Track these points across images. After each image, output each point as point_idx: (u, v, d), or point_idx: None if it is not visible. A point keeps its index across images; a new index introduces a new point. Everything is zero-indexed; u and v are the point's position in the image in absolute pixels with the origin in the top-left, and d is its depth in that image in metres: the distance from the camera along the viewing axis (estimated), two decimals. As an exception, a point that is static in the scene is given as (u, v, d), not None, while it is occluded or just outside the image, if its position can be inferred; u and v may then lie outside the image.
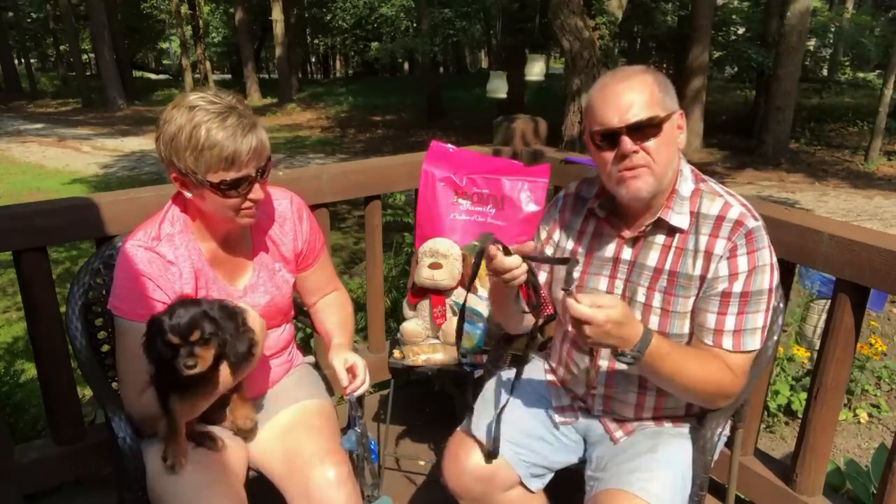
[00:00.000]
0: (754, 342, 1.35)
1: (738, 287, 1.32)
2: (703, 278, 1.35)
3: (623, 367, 1.44)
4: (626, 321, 1.21)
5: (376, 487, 1.60)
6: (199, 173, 1.29)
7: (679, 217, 1.36)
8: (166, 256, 1.39)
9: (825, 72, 18.83)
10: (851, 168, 11.65)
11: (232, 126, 1.28)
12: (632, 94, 1.29)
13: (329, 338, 1.65)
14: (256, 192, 1.35)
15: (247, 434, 1.50)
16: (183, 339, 1.22)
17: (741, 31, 16.37)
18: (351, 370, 1.53)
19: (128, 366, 1.38)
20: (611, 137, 1.30)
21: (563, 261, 1.32)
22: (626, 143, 1.28)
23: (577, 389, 1.57)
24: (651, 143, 1.29)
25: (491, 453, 1.45)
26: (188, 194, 1.36)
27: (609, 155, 1.32)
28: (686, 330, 1.40)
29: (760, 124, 12.89)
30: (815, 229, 1.63)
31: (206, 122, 1.27)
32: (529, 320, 1.60)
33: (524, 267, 1.30)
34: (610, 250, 1.45)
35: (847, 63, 21.60)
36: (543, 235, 1.59)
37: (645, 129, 1.28)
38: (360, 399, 1.61)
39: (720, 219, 1.34)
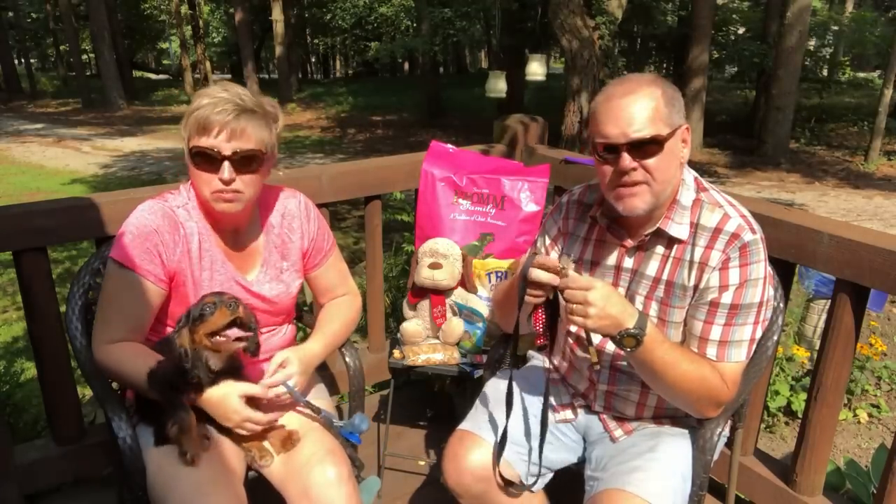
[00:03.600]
0: (739, 354, 1.35)
1: (727, 298, 1.33)
2: (695, 287, 1.36)
3: (625, 363, 1.45)
4: (619, 295, 1.26)
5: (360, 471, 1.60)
6: (188, 137, 1.36)
7: (679, 227, 1.36)
8: (179, 217, 1.44)
9: (825, 72, 18.80)
10: (851, 168, 11.65)
11: (222, 102, 1.34)
12: (636, 109, 1.27)
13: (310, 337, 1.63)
14: (226, 172, 1.36)
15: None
16: (218, 296, 1.35)
17: (741, 30, 16.37)
18: (282, 364, 1.48)
19: (105, 312, 1.42)
20: (612, 151, 1.29)
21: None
22: (626, 159, 1.28)
23: (579, 385, 1.57)
24: (651, 161, 1.28)
25: (497, 453, 1.45)
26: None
27: (609, 168, 1.32)
28: (681, 339, 1.41)
29: (760, 124, 12.90)
30: (815, 229, 1.63)
31: (208, 93, 1.35)
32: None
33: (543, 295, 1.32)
34: (613, 258, 1.46)
35: (847, 63, 21.57)
36: (548, 241, 1.59)
37: (646, 147, 1.27)
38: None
39: (717, 231, 1.34)
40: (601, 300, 1.22)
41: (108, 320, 1.42)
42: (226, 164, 1.35)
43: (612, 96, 1.30)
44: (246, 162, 1.37)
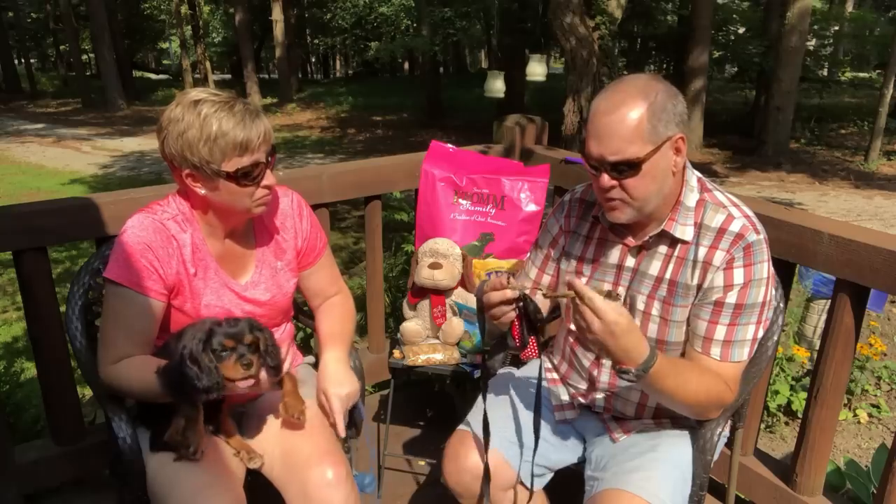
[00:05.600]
0: (742, 354, 1.35)
1: (731, 298, 1.32)
2: (699, 287, 1.35)
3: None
4: (633, 330, 1.20)
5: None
6: (213, 163, 1.31)
7: (683, 228, 1.36)
8: (170, 230, 1.41)
9: (825, 72, 18.79)
10: (851, 168, 11.65)
11: (240, 112, 1.32)
12: (617, 128, 1.25)
13: (322, 348, 1.62)
14: (269, 178, 1.39)
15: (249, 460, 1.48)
16: (238, 342, 1.30)
17: (741, 30, 16.37)
18: (329, 401, 1.51)
19: (109, 333, 1.40)
20: (594, 167, 1.32)
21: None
22: (604, 179, 1.30)
23: (579, 385, 1.57)
24: (628, 181, 1.29)
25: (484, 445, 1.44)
26: (201, 191, 1.37)
27: (595, 179, 1.34)
28: (683, 338, 1.40)
29: (760, 124, 12.91)
30: (815, 229, 1.63)
31: (213, 112, 1.30)
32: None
33: (510, 311, 1.31)
34: (614, 257, 1.46)
35: (847, 63, 21.56)
36: (550, 238, 1.59)
37: (622, 169, 1.28)
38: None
39: (721, 231, 1.34)
40: (605, 333, 1.18)
41: (112, 339, 1.39)
42: (268, 172, 1.38)
43: (596, 112, 1.30)
44: (273, 158, 1.40)
